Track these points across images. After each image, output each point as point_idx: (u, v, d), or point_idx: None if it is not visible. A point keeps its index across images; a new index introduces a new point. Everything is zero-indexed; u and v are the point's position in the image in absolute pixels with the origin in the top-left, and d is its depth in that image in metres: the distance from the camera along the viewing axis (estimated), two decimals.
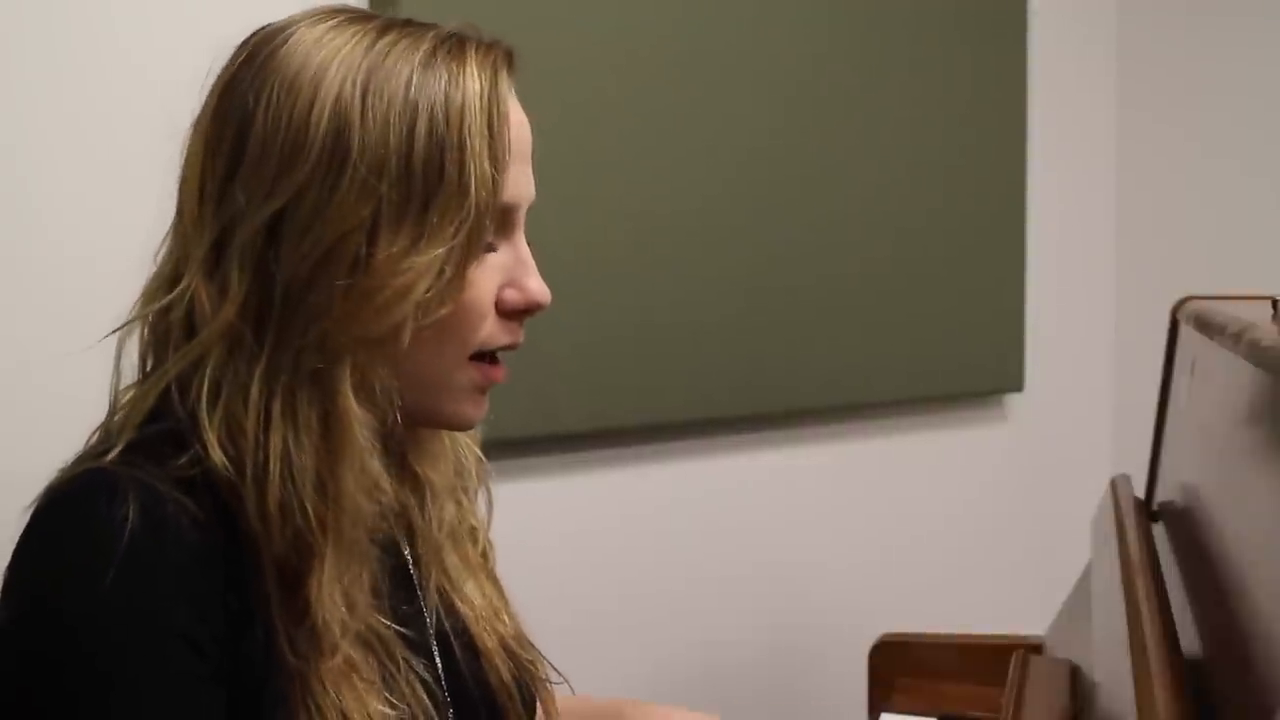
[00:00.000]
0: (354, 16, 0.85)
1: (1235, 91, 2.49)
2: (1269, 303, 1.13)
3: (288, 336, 0.80)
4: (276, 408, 0.80)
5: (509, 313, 0.88)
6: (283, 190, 0.80)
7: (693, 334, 1.89)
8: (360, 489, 0.82)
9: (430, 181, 0.81)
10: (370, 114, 0.81)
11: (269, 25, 0.86)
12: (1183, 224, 2.56)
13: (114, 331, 0.86)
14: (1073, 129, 2.55)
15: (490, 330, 0.87)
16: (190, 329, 0.82)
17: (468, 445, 1.00)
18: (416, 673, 0.86)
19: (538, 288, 0.89)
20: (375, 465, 0.83)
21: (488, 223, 0.84)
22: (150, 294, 0.85)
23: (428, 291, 0.82)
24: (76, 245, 1.35)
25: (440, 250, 0.82)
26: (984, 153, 2.30)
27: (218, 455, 0.79)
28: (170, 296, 0.82)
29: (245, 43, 0.86)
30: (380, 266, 0.80)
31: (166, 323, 0.83)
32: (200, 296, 0.81)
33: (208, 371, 0.80)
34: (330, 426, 0.81)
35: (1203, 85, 2.53)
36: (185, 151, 0.86)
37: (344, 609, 0.81)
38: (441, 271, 0.82)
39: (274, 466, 0.79)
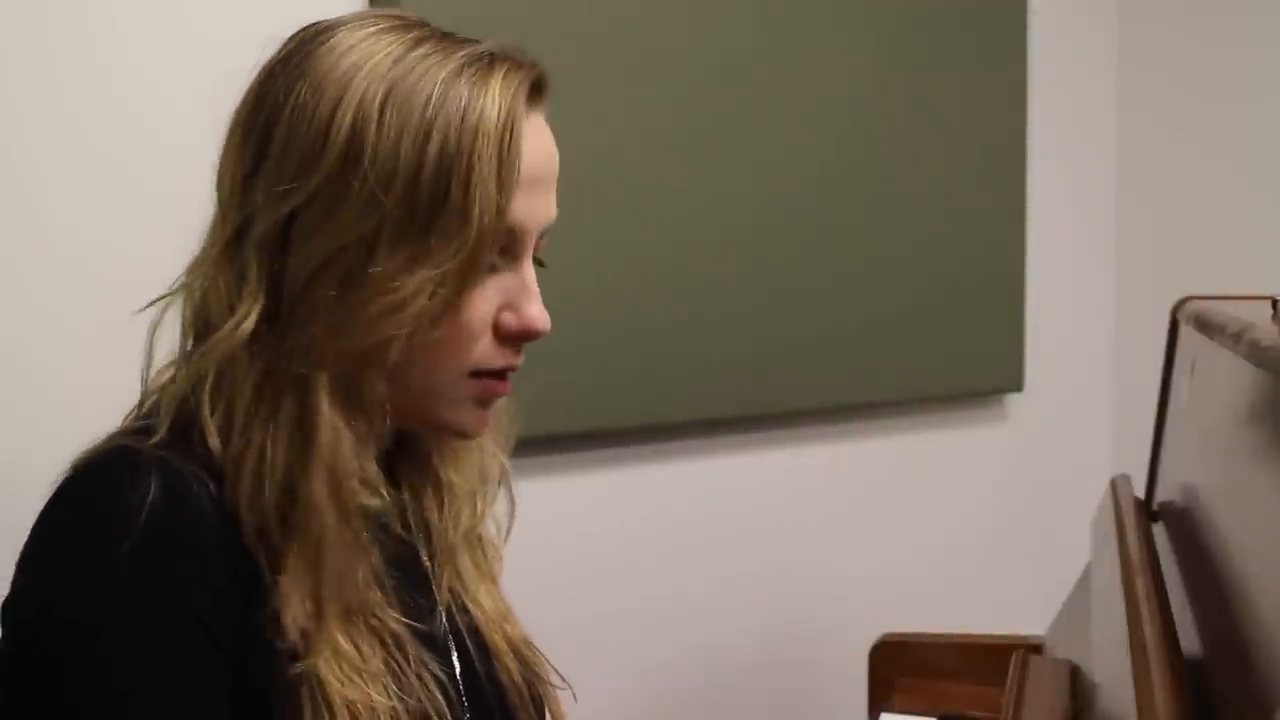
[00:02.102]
0: (397, 24, 0.85)
1: (1236, 91, 2.49)
2: (1269, 303, 1.13)
3: (285, 339, 0.81)
4: (264, 406, 0.81)
5: (505, 336, 0.87)
6: (297, 191, 0.81)
7: (693, 334, 1.89)
8: (331, 493, 0.82)
9: (434, 203, 0.81)
10: (386, 127, 0.81)
11: (317, 23, 0.87)
12: (1183, 224, 2.56)
13: (145, 307, 0.87)
14: (1073, 129, 2.55)
15: (485, 351, 0.87)
16: (208, 316, 0.83)
17: (493, 452, 0.99)
18: (430, 670, 0.86)
19: (537, 314, 0.87)
20: (352, 469, 0.83)
21: (488, 248, 0.84)
22: (189, 270, 0.86)
23: (417, 312, 0.81)
24: (76, 245, 1.35)
25: (434, 272, 0.81)
26: (984, 153, 2.30)
27: (215, 444, 0.80)
28: (201, 284, 0.84)
29: (291, 38, 0.87)
30: (372, 282, 0.81)
31: (194, 308, 0.84)
32: (217, 287, 0.82)
33: (214, 365, 0.81)
34: (302, 429, 0.81)
35: (1203, 85, 2.53)
36: (224, 142, 0.86)
37: (308, 613, 0.81)
38: (434, 293, 0.82)
39: (249, 461, 0.80)
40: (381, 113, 0.81)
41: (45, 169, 1.34)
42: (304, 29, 0.87)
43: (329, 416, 0.82)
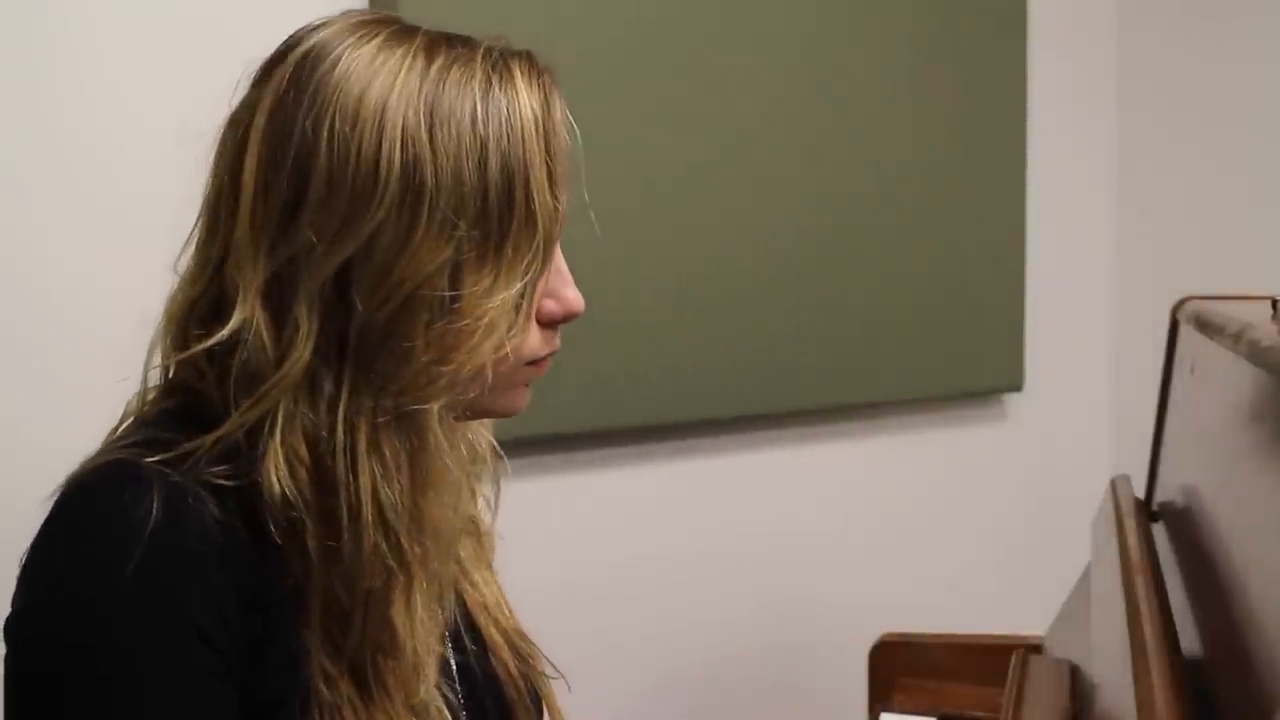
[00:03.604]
0: (395, 32, 0.84)
1: (1235, 92, 2.49)
2: (1269, 303, 1.13)
3: (368, 378, 0.80)
4: (362, 448, 0.80)
5: (549, 322, 0.89)
6: (356, 232, 0.79)
7: (693, 334, 1.89)
8: (447, 517, 0.84)
9: (504, 217, 0.82)
10: (441, 151, 0.80)
11: (305, 38, 0.84)
12: (1183, 224, 2.56)
13: (154, 367, 0.86)
14: (1073, 129, 2.55)
15: (534, 344, 0.88)
16: (247, 360, 0.80)
17: (480, 431, 0.99)
18: (442, 692, 0.87)
19: (575, 297, 0.89)
20: (457, 487, 0.85)
21: (554, 246, 0.86)
22: (186, 305, 0.84)
23: (509, 325, 0.83)
24: (75, 256, 1.36)
25: (519, 284, 0.83)
26: (984, 152, 2.30)
27: (279, 489, 0.79)
28: (231, 326, 0.80)
29: (283, 56, 0.84)
30: (464, 308, 0.81)
31: (217, 347, 0.81)
32: (261, 330, 0.80)
33: (280, 410, 0.80)
34: (420, 463, 0.82)
35: (1203, 85, 2.53)
36: (221, 163, 0.84)
37: (435, 640, 0.84)
38: (519, 304, 0.83)
39: (367, 508, 0.79)
40: (432, 139, 0.80)
41: (44, 193, 1.35)
42: (291, 47, 0.84)
43: (445, 444, 0.82)
